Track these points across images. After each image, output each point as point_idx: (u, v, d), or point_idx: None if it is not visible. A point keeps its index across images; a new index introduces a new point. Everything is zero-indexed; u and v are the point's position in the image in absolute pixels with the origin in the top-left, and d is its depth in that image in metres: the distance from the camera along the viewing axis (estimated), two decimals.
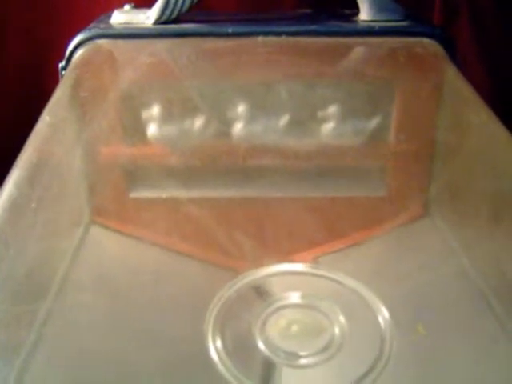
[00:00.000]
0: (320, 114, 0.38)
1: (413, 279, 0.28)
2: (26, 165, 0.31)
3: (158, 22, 0.42)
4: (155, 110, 0.38)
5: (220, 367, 0.24)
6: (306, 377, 0.25)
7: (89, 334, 0.26)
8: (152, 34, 0.42)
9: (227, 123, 0.37)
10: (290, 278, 0.28)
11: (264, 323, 0.26)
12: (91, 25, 0.44)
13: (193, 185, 0.34)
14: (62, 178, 0.33)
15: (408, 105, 0.39)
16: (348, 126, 0.38)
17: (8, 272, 0.27)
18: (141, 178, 0.35)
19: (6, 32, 0.58)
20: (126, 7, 0.44)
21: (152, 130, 0.37)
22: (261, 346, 0.25)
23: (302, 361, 0.25)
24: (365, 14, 0.43)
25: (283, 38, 0.41)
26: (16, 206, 0.29)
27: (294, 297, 0.27)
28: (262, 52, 0.41)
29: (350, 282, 0.27)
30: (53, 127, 0.35)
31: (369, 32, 0.42)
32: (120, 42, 0.42)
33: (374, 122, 0.38)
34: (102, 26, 0.43)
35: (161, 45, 0.42)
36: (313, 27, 0.42)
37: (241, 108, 0.38)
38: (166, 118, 0.38)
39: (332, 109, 0.38)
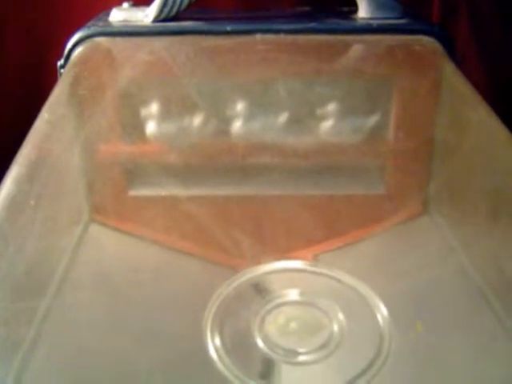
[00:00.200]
0: (318, 111, 0.38)
1: (411, 277, 0.28)
2: (25, 162, 0.31)
3: (156, 19, 0.42)
4: (154, 107, 0.38)
5: (219, 364, 0.24)
6: (304, 374, 0.25)
7: (88, 332, 0.26)
8: (151, 31, 0.42)
9: (226, 121, 0.37)
10: (288, 276, 0.28)
11: (263, 320, 0.26)
12: (90, 23, 0.43)
13: (191, 183, 0.34)
14: (61, 175, 0.33)
15: (407, 102, 0.39)
16: (347, 123, 0.38)
17: (7, 269, 0.27)
18: (140, 176, 0.35)
19: (4, 30, 0.58)
20: (125, 5, 0.44)
21: (151, 127, 0.37)
22: (259, 343, 0.25)
23: (301, 358, 0.25)
24: (363, 12, 0.43)
25: (282, 36, 0.41)
26: (15, 204, 0.29)
27: (293, 294, 0.27)
28: (260, 50, 0.41)
29: (349, 280, 0.27)
30: (52, 125, 0.35)
31: (367, 30, 0.42)
32: (119, 40, 0.42)
33: (373, 120, 0.38)
34: (101, 23, 0.43)
35: (159, 43, 0.42)
36: (311, 25, 0.42)
37: (239, 106, 0.38)
38: (165, 115, 0.38)
39: (331, 106, 0.38)
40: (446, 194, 0.34)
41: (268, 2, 0.55)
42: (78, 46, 0.41)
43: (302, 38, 0.41)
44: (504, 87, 0.57)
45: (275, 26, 0.42)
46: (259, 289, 0.27)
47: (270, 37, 0.41)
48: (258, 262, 0.28)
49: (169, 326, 0.26)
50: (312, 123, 0.38)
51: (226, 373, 0.24)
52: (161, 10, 0.42)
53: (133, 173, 0.36)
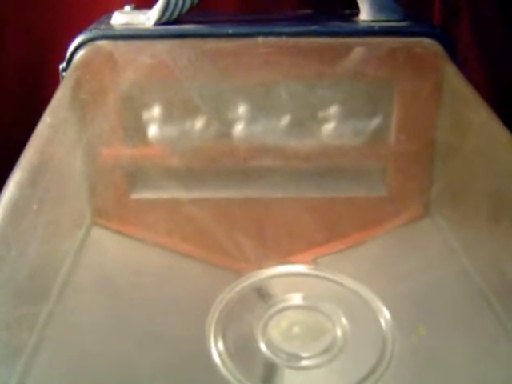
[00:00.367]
0: (320, 114, 0.38)
1: (413, 279, 0.28)
2: (28, 166, 0.31)
3: (158, 22, 0.42)
4: (156, 111, 0.38)
5: (222, 369, 0.24)
6: (308, 378, 0.25)
7: (90, 336, 0.26)
8: (152, 34, 0.42)
9: (228, 124, 0.37)
10: (291, 280, 0.28)
11: (266, 325, 0.26)
12: (91, 26, 0.44)
13: (194, 186, 0.34)
14: (64, 179, 0.33)
15: (408, 105, 0.39)
16: (348, 126, 0.38)
17: (10, 273, 0.27)
18: (142, 179, 0.35)
19: (5, 33, 0.58)
20: (127, 8, 0.44)
21: (153, 131, 0.37)
22: (263, 347, 0.25)
23: (304, 362, 0.25)
24: (365, 14, 0.43)
25: (283, 39, 0.41)
26: (18, 208, 0.29)
27: (296, 298, 0.27)
28: (262, 53, 0.41)
29: (352, 284, 0.27)
30: (54, 129, 0.35)
31: (369, 32, 0.42)
32: (120, 43, 0.42)
33: (375, 122, 0.38)
34: (103, 27, 0.43)
35: (161, 46, 0.42)
36: (313, 28, 0.42)
37: (241, 109, 0.38)
38: (167, 119, 0.38)
39: (332, 109, 0.38)
40: (448, 197, 0.34)
41: (270, 5, 0.55)
42: (79, 49, 0.41)
43: (303, 41, 0.41)
44: (505, 90, 0.57)
45: (277, 29, 0.42)
46: (262, 293, 0.27)
47: (271, 39, 0.41)
48: (261, 266, 0.28)
49: (171, 330, 0.26)
50: (314, 126, 0.38)
51: (229, 377, 0.24)
52: (162, 13, 0.42)
53: (135, 176, 0.36)
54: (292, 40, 0.41)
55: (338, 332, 0.25)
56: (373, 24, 0.43)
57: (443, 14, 0.56)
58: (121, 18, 0.43)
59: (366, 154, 0.38)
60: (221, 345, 0.25)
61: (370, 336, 0.25)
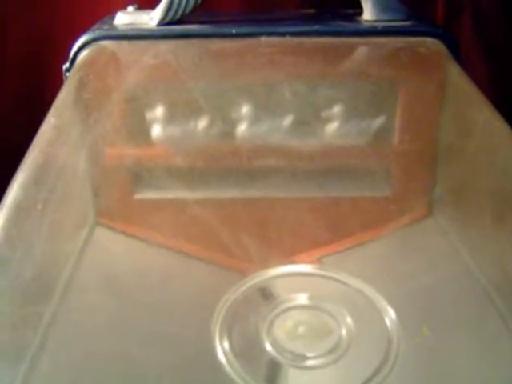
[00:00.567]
0: (324, 114, 0.38)
1: (418, 279, 0.28)
2: (32, 166, 0.32)
3: (161, 23, 0.42)
4: (159, 111, 0.38)
5: (227, 368, 0.24)
6: (313, 378, 0.25)
7: (95, 336, 0.26)
8: (156, 35, 0.42)
9: (231, 124, 0.37)
10: (296, 280, 0.28)
11: (271, 325, 0.26)
12: (95, 26, 0.44)
13: (197, 186, 0.34)
14: (67, 179, 0.33)
15: (412, 104, 0.39)
16: (352, 126, 0.38)
17: (14, 273, 0.27)
18: (145, 180, 0.35)
19: (8, 34, 0.58)
20: (130, 8, 0.45)
21: (156, 131, 0.37)
22: (268, 347, 0.25)
23: (309, 362, 0.25)
24: (368, 14, 0.43)
25: (287, 39, 0.41)
26: (22, 208, 0.29)
27: (301, 298, 0.27)
28: (265, 52, 0.41)
29: (356, 283, 0.27)
30: (58, 129, 0.35)
31: (372, 32, 0.42)
32: (124, 44, 0.42)
33: (378, 122, 0.38)
34: (106, 27, 0.43)
35: (164, 46, 0.42)
36: (316, 27, 0.42)
37: (245, 109, 0.38)
38: (171, 119, 0.38)
39: (336, 109, 0.38)
40: (452, 196, 0.34)
41: (273, 5, 0.56)
42: (83, 50, 0.42)
43: (307, 41, 0.41)
44: (509, 88, 0.57)
45: (280, 29, 0.42)
46: (267, 293, 0.27)
47: (275, 39, 0.41)
48: (265, 266, 0.28)
49: (177, 330, 0.26)
50: (317, 126, 0.38)
51: (235, 377, 0.24)
52: (166, 14, 0.42)
53: (139, 176, 0.36)
54: (295, 40, 0.41)
55: (343, 332, 0.25)
56: (376, 24, 0.43)
57: (446, 14, 0.57)
58: (124, 19, 0.43)
59: (369, 154, 0.38)
60: (226, 344, 0.25)
61: (375, 336, 0.25)
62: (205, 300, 0.27)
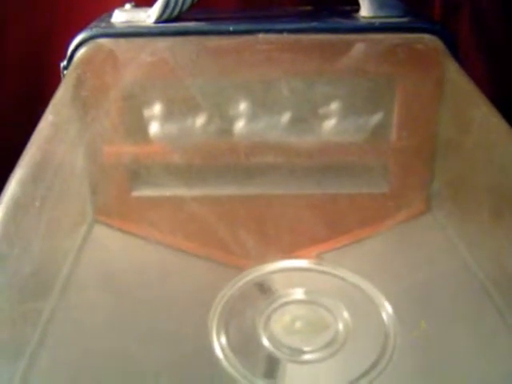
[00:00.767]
0: (322, 110, 0.38)
1: (416, 275, 0.28)
2: (29, 164, 0.32)
3: (159, 20, 0.42)
4: (157, 108, 0.38)
5: (225, 363, 0.24)
6: (310, 372, 0.25)
7: (93, 333, 0.26)
8: (153, 32, 0.42)
9: (229, 121, 0.37)
10: (293, 275, 0.28)
11: (268, 319, 0.26)
12: (92, 24, 0.44)
13: (195, 183, 0.34)
14: (65, 176, 0.33)
15: (409, 101, 0.39)
16: (350, 122, 0.38)
17: (12, 270, 0.27)
18: (143, 177, 0.35)
19: (6, 32, 0.58)
20: (127, 6, 0.45)
21: (154, 128, 0.37)
22: (265, 342, 0.25)
23: (307, 356, 0.25)
24: (365, 11, 0.43)
25: (284, 36, 0.41)
26: (20, 205, 0.29)
27: (298, 293, 0.27)
28: (263, 49, 0.41)
29: (354, 278, 0.27)
30: (55, 126, 0.35)
31: (369, 28, 0.42)
32: (121, 41, 0.42)
33: (376, 119, 0.38)
34: (103, 25, 0.43)
35: (162, 43, 0.42)
36: (314, 24, 0.42)
37: (242, 106, 0.38)
38: (168, 116, 0.38)
39: (333, 106, 0.38)
40: (449, 192, 0.34)
41: (270, 2, 0.56)
42: (80, 47, 0.42)
43: (304, 38, 0.41)
44: (506, 85, 0.57)
45: (277, 26, 0.42)
46: (264, 288, 0.27)
47: (272, 36, 0.41)
48: (263, 262, 0.28)
49: (174, 326, 0.26)
50: (315, 122, 0.38)
51: (232, 371, 0.24)
52: (163, 11, 0.42)
53: (136, 173, 0.36)
54: (293, 37, 0.41)
55: (340, 326, 0.25)
56: (373, 20, 0.43)
57: (444, 10, 0.57)
58: (121, 16, 0.43)
59: (367, 151, 0.38)
60: (223, 340, 0.25)
61: (372, 330, 0.26)
62: (202, 296, 0.27)
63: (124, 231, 0.32)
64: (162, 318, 0.27)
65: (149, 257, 0.30)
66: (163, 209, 0.33)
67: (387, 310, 0.26)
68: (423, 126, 0.38)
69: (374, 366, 0.24)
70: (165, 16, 0.43)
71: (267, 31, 0.41)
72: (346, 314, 0.26)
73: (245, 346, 0.25)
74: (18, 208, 0.29)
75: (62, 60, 0.42)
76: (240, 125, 0.37)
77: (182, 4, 0.42)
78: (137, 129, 0.38)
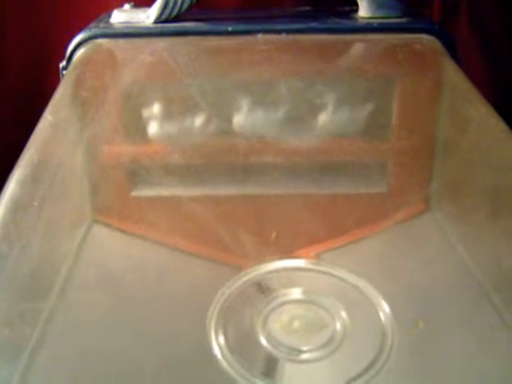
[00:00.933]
0: (320, 110, 0.38)
1: (414, 275, 0.28)
2: (29, 164, 0.32)
3: (158, 20, 0.43)
4: (156, 108, 0.38)
5: (223, 362, 0.24)
6: (308, 371, 0.25)
7: (92, 332, 0.26)
8: (152, 32, 0.42)
9: (228, 121, 0.38)
10: (291, 274, 0.28)
11: (266, 319, 0.26)
12: (91, 24, 0.44)
13: (194, 182, 0.34)
14: (64, 176, 0.33)
15: (408, 101, 0.39)
16: (348, 122, 0.38)
17: (12, 271, 0.27)
18: (142, 177, 0.35)
19: (5, 32, 0.58)
20: (126, 6, 0.45)
21: (153, 128, 0.38)
22: (263, 341, 0.25)
23: (304, 356, 0.25)
24: (364, 11, 0.43)
25: (283, 36, 0.41)
26: (19, 205, 0.30)
27: (296, 293, 0.27)
28: (262, 50, 0.41)
29: (352, 278, 0.27)
30: (54, 126, 0.35)
31: (368, 29, 0.42)
32: (120, 41, 0.42)
33: (374, 119, 0.38)
34: (102, 25, 0.43)
35: (161, 43, 0.42)
36: (312, 24, 0.42)
37: (241, 106, 0.38)
38: (167, 116, 0.38)
39: (332, 105, 0.38)
40: (448, 192, 0.35)
41: (269, 2, 0.56)
42: (79, 48, 0.42)
43: (303, 38, 0.42)
44: (504, 85, 0.57)
45: (276, 26, 0.42)
46: (262, 287, 0.27)
47: (271, 37, 0.41)
48: (261, 261, 0.28)
49: (173, 325, 0.26)
50: (314, 122, 0.38)
51: (230, 371, 0.24)
52: (162, 11, 0.42)
53: (136, 173, 0.36)
54: (292, 37, 0.42)
55: (338, 326, 0.25)
56: (372, 21, 0.43)
57: (442, 11, 0.57)
58: (120, 16, 0.44)
59: (366, 151, 0.38)
60: (222, 339, 0.25)
61: (370, 330, 0.26)
62: (201, 295, 0.27)
63: (123, 231, 0.32)
64: (160, 318, 0.27)
65: (148, 257, 0.30)
66: (162, 209, 0.33)
67: (385, 309, 0.26)
68: (421, 127, 0.38)
69: (371, 365, 0.24)
70: (164, 16, 0.43)
71: (266, 31, 0.41)
72: (343, 314, 0.26)
73: (243, 345, 0.25)
74: (17, 208, 0.29)
75: (61, 60, 0.42)
76: (239, 125, 0.37)
77: (181, 4, 0.42)
78: (136, 129, 0.38)
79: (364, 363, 0.24)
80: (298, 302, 0.27)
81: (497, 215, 0.31)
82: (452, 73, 0.39)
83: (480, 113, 0.36)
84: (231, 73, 0.41)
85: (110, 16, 0.44)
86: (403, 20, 0.43)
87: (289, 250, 0.30)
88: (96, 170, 0.36)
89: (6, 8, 0.57)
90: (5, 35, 0.58)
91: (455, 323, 0.26)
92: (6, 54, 0.58)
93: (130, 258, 0.30)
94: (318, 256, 0.29)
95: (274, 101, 0.38)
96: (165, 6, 0.42)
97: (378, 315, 0.26)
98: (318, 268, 0.28)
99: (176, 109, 0.39)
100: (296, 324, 0.26)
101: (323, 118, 0.38)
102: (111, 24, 0.43)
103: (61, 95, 0.37)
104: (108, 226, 0.33)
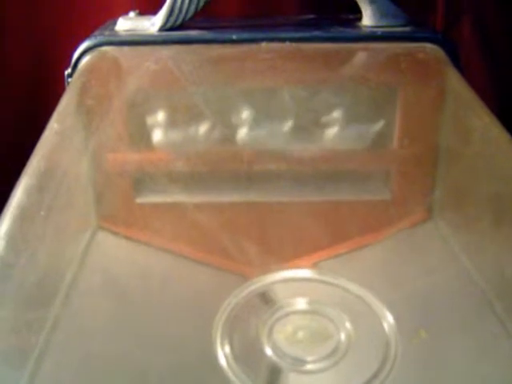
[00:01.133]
0: (324, 119, 0.38)
1: (417, 283, 0.28)
2: (35, 172, 0.32)
3: (162, 28, 0.43)
4: (161, 116, 0.38)
5: (228, 372, 0.25)
6: (312, 382, 0.25)
7: (97, 339, 0.26)
8: (157, 40, 0.42)
9: (232, 129, 0.38)
10: (296, 285, 0.29)
11: (271, 329, 0.26)
12: (96, 32, 0.44)
13: (198, 190, 0.34)
14: (70, 184, 0.34)
15: (411, 110, 0.39)
16: (352, 131, 0.38)
17: (18, 278, 0.27)
18: (147, 184, 0.35)
19: (11, 41, 0.58)
20: (131, 14, 0.45)
21: (158, 136, 0.38)
22: (268, 351, 0.25)
23: (309, 366, 0.25)
24: (368, 20, 0.44)
25: (287, 44, 0.42)
26: (26, 213, 0.30)
27: (301, 303, 0.27)
28: (266, 58, 0.41)
29: (356, 288, 0.27)
30: (60, 134, 0.35)
31: (372, 37, 0.42)
32: (125, 49, 0.42)
33: (377, 127, 0.38)
34: (107, 33, 0.43)
35: (166, 51, 0.42)
36: (316, 33, 0.42)
37: (245, 114, 0.38)
38: (172, 124, 0.38)
39: (336, 114, 0.38)
40: (451, 201, 0.35)
41: (273, 10, 0.56)
42: (85, 55, 0.42)
43: (307, 46, 0.42)
44: (508, 94, 0.57)
45: (280, 35, 0.42)
46: (267, 298, 0.28)
47: (275, 45, 0.42)
48: (266, 270, 0.28)
49: (178, 334, 0.26)
50: (317, 131, 0.38)
51: (235, 380, 0.24)
52: (167, 19, 0.43)
53: (140, 181, 0.36)
54: (295, 45, 0.42)
55: (342, 336, 0.26)
56: (375, 29, 0.43)
57: (446, 20, 0.57)
58: (125, 24, 0.44)
59: (369, 159, 0.38)
60: (227, 348, 0.25)
61: (374, 340, 0.26)
62: (205, 303, 0.27)
63: (128, 238, 0.32)
64: (165, 326, 0.27)
65: (152, 264, 0.31)
66: (167, 216, 0.33)
67: (388, 319, 0.26)
68: (424, 135, 0.38)
69: (375, 375, 0.24)
70: (168, 24, 0.43)
71: (270, 40, 0.42)
72: (348, 324, 0.26)
73: (248, 354, 0.25)
74: (23, 216, 0.29)
75: (66, 68, 0.43)
76: (243, 133, 0.38)
77: (186, 12, 0.43)
78: (140, 136, 0.38)
79: (368, 373, 0.24)
80: (302, 312, 0.27)
81: (499, 224, 0.31)
82: (455, 82, 0.39)
83: (483, 122, 0.36)
84: (235, 81, 0.41)
85: (115, 24, 0.44)
86: (407, 29, 0.43)
87: (293, 257, 0.30)
88: (101, 177, 0.36)
89: (11, 16, 0.57)
90: (11, 43, 0.58)
91: (458, 332, 0.26)
92: (12, 61, 0.58)
93: (135, 266, 0.30)
94: (321, 265, 0.30)
95: (278, 109, 0.39)
96: (170, 14, 0.42)
97: (382, 325, 0.26)
98: (323, 278, 0.28)
99: (180, 117, 0.39)
100: (300, 334, 0.26)
101: (326, 126, 0.38)
102: (116, 32, 0.43)
103: (66, 103, 0.37)
104: (113, 233, 0.33)
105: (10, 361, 0.25)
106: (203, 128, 0.38)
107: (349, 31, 0.43)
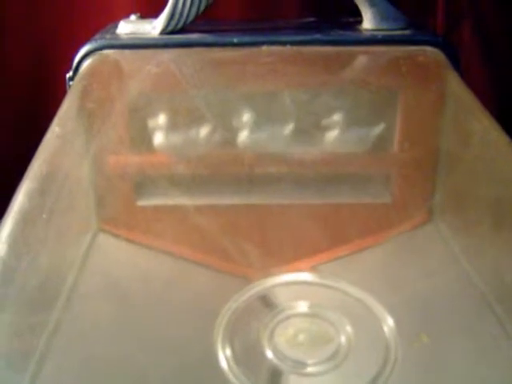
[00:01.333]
0: (324, 122, 0.38)
1: (417, 286, 0.28)
2: (36, 175, 0.32)
3: (164, 32, 0.43)
4: (162, 119, 0.38)
5: (229, 375, 0.25)
6: None
7: (98, 343, 0.26)
8: (158, 44, 0.42)
9: (233, 132, 0.38)
10: (297, 288, 0.29)
11: (272, 332, 0.26)
12: (98, 35, 0.44)
13: (199, 193, 0.34)
14: (71, 187, 0.34)
15: (411, 113, 0.39)
16: (352, 134, 0.38)
17: (19, 282, 0.27)
18: (148, 187, 0.35)
19: (12, 44, 0.58)
20: (132, 17, 0.45)
21: (159, 139, 0.38)
22: (269, 354, 0.25)
23: (310, 369, 0.25)
24: (368, 23, 0.44)
25: (288, 47, 0.42)
26: (27, 217, 0.30)
27: (302, 306, 0.27)
28: (267, 61, 0.41)
29: (356, 292, 0.27)
30: (62, 138, 0.35)
31: (372, 41, 0.42)
32: (126, 52, 0.42)
33: (378, 130, 0.38)
34: (109, 36, 0.43)
35: (167, 55, 0.42)
36: (317, 36, 0.42)
37: (246, 117, 0.38)
38: (173, 127, 0.38)
39: (336, 117, 0.38)
40: (451, 204, 0.35)
41: (274, 14, 0.56)
42: (86, 59, 0.42)
43: (307, 50, 0.42)
44: (508, 98, 0.57)
45: (281, 38, 0.42)
46: (268, 301, 0.28)
47: (276, 48, 0.42)
48: (267, 272, 0.29)
49: (179, 337, 0.26)
50: (318, 134, 0.38)
51: (236, 383, 0.24)
52: (168, 23, 0.43)
53: (141, 183, 0.36)
54: (296, 49, 0.42)
55: (343, 339, 0.26)
56: (376, 33, 0.43)
57: (446, 23, 0.57)
58: (127, 28, 0.44)
59: (370, 162, 0.38)
60: (228, 351, 0.25)
61: (374, 343, 0.26)
62: (206, 306, 0.28)
63: (129, 241, 0.32)
64: (166, 329, 0.27)
65: (154, 267, 0.31)
66: (168, 218, 0.33)
67: (389, 322, 0.26)
68: (424, 138, 0.38)
69: (375, 378, 0.24)
70: (170, 28, 0.43)
71: (271, 43, 0.42)
72: (348, 328, 0.26)
73: (249, 357, 0.25)
74: (25, 219, 0.30)
75: (66, 68, 0.43)
76: (244, 136, 0.38)
77: (187, 16, 0.43)
78: (142, 139, 0.38)
79: (368, 376, 0.24)
80: (303, 315, 0.27)
81: (499, 226, 0.31)
82: (455, 85, 0.39)
83: (483, 125, 0.36)
84: (236, 84, 0.41)
85: (116, 27, 0.44)
86: (407, 32, 0.43)
87: (294, 260, 0.30)
88: (102, 180, 0.36)
89: (12, 19, 0.57)
90: (12, 47, 0.58)
91: (458, 335, 0.26)
92: (13, 65, 0.58)
93: (136, 268, 0.30)
94: (322, 268, 0.30)
95: (279, 112, 0.39)
96: (171, 18, 0.43)
97: (382, 328, 0.26)
98: (324, 282, 0.28)
99: (181, 120, 0.39)
100: (301, 337, 0.26)
101: (327, 129, 0.38)
102: (117, 35, 0.44)
103: (68, 106, 0.38)
104: (114, 235, 0.33)
105: (11, 364, 0.25)
106: (204, 131, 0.38)
107: (349, 34, 0.43)
